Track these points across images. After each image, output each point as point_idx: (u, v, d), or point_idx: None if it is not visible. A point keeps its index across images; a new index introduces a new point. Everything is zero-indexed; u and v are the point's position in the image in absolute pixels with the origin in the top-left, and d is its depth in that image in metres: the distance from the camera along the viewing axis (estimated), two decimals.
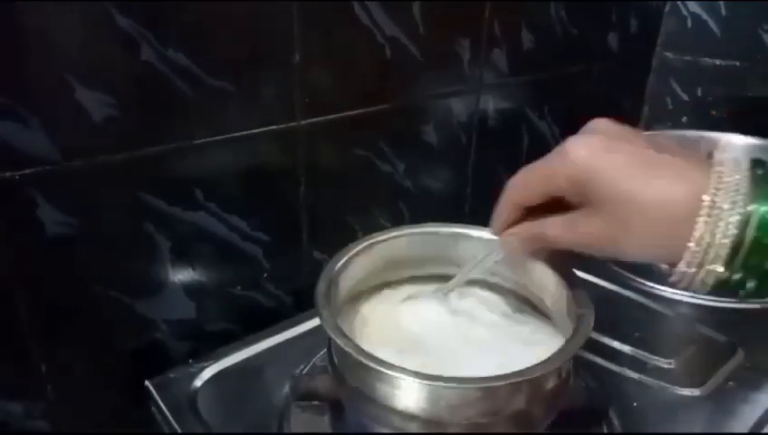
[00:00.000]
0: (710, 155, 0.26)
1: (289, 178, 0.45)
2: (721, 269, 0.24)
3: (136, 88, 0.35)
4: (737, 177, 0.24)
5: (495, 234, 0.32)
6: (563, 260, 0.35)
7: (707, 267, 0.24)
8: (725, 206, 0.24)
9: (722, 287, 0.25)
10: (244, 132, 0.41)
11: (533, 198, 0.29)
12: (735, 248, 0.24)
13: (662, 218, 0.25)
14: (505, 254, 0.33)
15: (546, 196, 0.29)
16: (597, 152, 0.26)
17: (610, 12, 0.67)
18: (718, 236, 0.24)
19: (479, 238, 0.39)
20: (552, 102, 0.65)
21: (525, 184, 0.30)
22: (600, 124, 0.28)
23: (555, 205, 0.29)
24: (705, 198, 0.24)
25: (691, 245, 0.24)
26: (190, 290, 0.42)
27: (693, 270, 0.25)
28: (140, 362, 0.40)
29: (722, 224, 0.23)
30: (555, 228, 0.29)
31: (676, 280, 0.26)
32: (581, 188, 0.27)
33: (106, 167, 0.35)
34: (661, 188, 0.25)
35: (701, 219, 0.24)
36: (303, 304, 0.48)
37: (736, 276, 0.24)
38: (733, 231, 0.23)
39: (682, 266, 0.25)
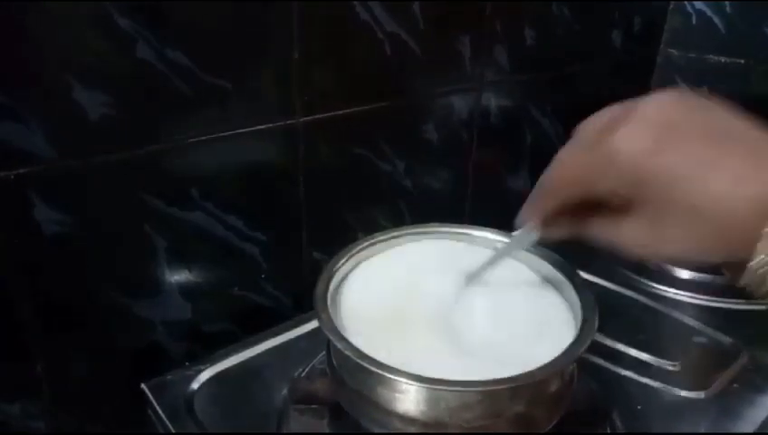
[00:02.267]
0: None
1: (288, 176, 0.44)
2: None
3: (133, 86, 0.35)
4: None
5: (529, 220, 0.30)
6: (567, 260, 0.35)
7: None
8: None
9: None
10: (243, 131, 0.40)
11: (576, 196, 0.27)
12: None
13: (722, 225, 0.23)
14: (539, 238, 0.31)
15: (588, 197, 0.26)
16: (647, 153, 0.23)
17: (614, 9, 0.67)
18: None
19: (481, 238, 0.39)
20: (555, 100, 0.64)
21: (565, 183, 0.27)
22: (652, 108, 0.24)
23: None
24: None
25: (752, 264, 0.22)
26: (187, 291, 0.41)
27: (759, 275, 0.22)
28: (138, 363, 0.40)
29: None
30: (600, 233, 0.27)
31: (741, 283, 0.23)
32: (630, 191, 0.24)
33: (103, 166, 0.35)
34: (721, 193, 0.22)
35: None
36: (302, 305, 0.47)
37: None
38: None
39: (744, 280, 0.23)
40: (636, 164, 0.24)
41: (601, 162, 0.25)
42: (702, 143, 0.23)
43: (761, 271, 0.22)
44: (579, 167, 0.26)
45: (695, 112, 0.24)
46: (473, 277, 0.35)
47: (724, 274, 0.51)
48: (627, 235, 0.26)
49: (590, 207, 0.27)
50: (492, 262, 0.35)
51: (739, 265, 0.23)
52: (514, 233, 0.34)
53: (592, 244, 0.28)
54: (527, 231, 0.31)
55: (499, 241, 0.39)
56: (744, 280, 0.23)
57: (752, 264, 0.22)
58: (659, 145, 0.23)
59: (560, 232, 0.30)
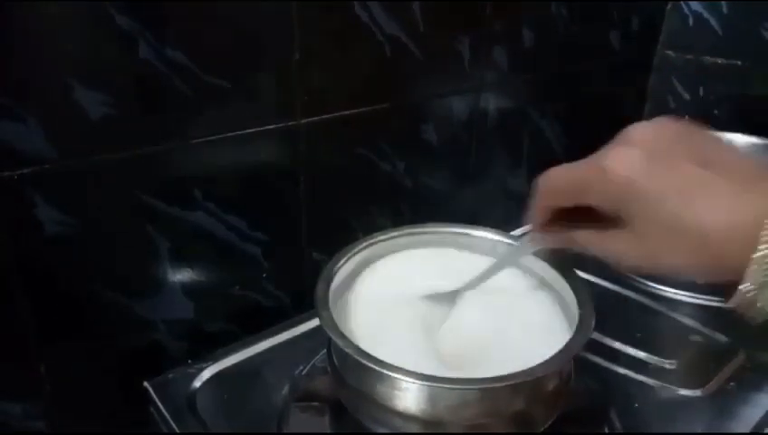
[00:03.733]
0: None
1: (288, 177, 0.44)
2: None
3: (134, 87, 0.35)
4: None
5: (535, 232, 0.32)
6: (565, 259, 0.35)
7: (759, 305, 0.23)
8: None
9: None
10: (243, 131, 0.40)
11: (566, 204, 0.29)
12: None
13: (707, 244, 0.23)
14: (538, 248, 0.33)
15: (579, 205, 0.28)
16: (636, 172, 0.25)
17: (612, 10, 0.67)
18: None
19: (481, 238, 0.39)
20: (554, 101, 0.65)
21: (557, 191, 0.28)
22: (640, 133, 0.26)
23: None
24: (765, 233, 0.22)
25: (741, 287, 0.23)
26: (189, 290, 0.42)
27: (748, 298, 0.23)
28: (139, 362, 0.40)
29: None
30: (587, 242, 0.28)
31: (731, 307, 0.24)
32: (617, 207, 0.26)
33: (104, 166, 0.35)
34: (707, 212, 0.23)
35: (757, 255, 0.22)
36: (303, 304, 0.47)
37: None
38: None
39: (733, 302, 0.23)
40: (626, 182, 0.25)
41: (593, 177, 0.26)
42: (689, 166, 0.24)
43: (749, 294, 0.23)
44: (570, 178, 0.28)
45: (683, 139, 0.26)
46: (471, 285, 0.36)
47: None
48: (615, 247, 0.27)
49: (584, 217, 0.28)
50: (492, 271, 0.36)
51: (731, 287, 0.23)
52: (514, 243, 0.35)
53: (586, 253, 0.29)
54: (526, 242, 0.33)
55: (499, 241, 0.39)
56: (734, 302, 0.23)
57: (741, 287, 0.23)
58: (649, 166, 0.25)
59: (555, 241, 0.31)
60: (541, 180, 0.29)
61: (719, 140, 0.26)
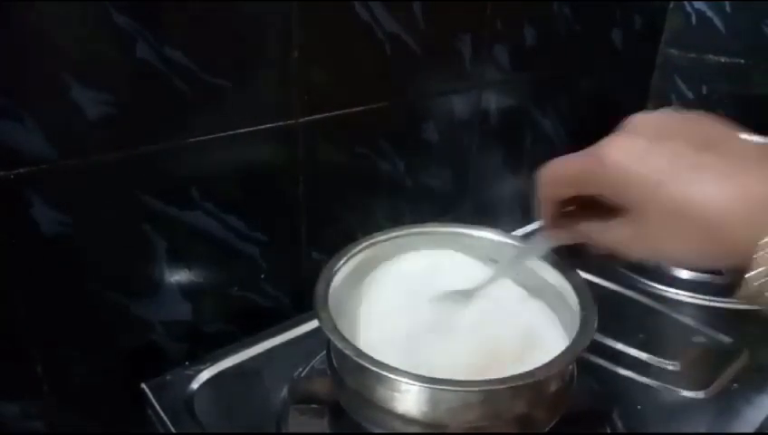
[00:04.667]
0: None
1: (287, 176, 0.44)
2: None
3: (132, 86, 0.35)
4: None
5: (545, 228, 0.32)
6: (566, 260, 0.35)
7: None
8: None
9: None
10: (242, 130, 0.40)
11: (568, 194, 0.29)
12: None
13: (708, 227, 0.23)
14: (551, 245, 0.33)
15: (581, 194, 0.28)
16: (633, 158, 0.24)
17: (614, 8, 0.67)
18: None
19: (482, 238, 0.39)
20: (555, 100, 0.64)
21: (559, 182, 0.28)
22: (639, 122, 0.26)
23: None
24: None
25: (749, 276, 0.22)
26: (187, 291, 0.41)
27: (755, 288, 0.22)
28: (137, 363, 0.40)
29: None
30: (592, 233, 0.28)
31: (740, 295, 0.23)
32: (618, 195, 0.26)
33: (102, 166, 0.35)
34: (705, 195, 0.23)
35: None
36: (302, 305, 0.47)
37: None
38: None
39: (741, 293, 0.23)
40: (623, 169, 0.25)
41: (592, 165, 0.26)
42: (687, 150, 0.24)
43: (757, 283, 0.22)
44: (570, 167, 0.27)
45: (685, 126, 0.25)
46: (482, 286, 0.36)
47: (723, 274, 0.52)
48: (618, 236, 0.27)
49: (593, 210, 0.28)
50: (504, 271, 0.36)
51: (739, 275, 0.23)
52: (520, 244, 0.36)
53: (593, 248, 0.29)
54: (538, 240, 0.32)
55: (500, 241, 0.39)
56: (743, 292, 0.23)
57: (749, 276, 0.22)
58: (647, 152, 0.24)
59: (566, 237, 0.31)
60: (542, 171, 0.29)
61: (724, 125, 0.25)
